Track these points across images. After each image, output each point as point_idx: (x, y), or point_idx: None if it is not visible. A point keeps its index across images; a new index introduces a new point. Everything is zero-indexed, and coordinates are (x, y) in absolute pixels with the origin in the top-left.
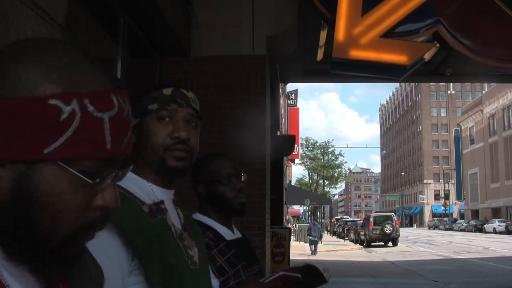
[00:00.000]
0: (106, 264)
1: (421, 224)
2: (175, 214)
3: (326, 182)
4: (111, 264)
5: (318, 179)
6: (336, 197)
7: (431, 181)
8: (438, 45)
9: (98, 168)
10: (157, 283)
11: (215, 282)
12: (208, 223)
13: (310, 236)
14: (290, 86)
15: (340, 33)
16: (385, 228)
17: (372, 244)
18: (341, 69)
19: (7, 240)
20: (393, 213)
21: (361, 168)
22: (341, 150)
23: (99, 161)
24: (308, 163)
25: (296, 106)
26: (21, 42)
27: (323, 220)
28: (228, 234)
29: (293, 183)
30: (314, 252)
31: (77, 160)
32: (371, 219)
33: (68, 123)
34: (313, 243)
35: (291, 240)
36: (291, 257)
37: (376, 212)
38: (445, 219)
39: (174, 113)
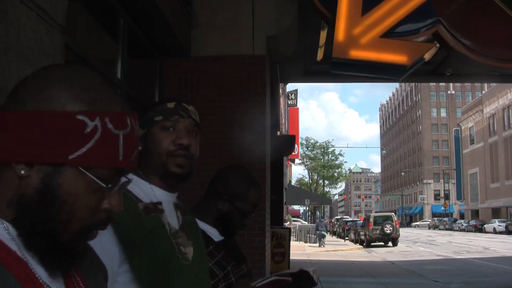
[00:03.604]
0: (98, 253)
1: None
2: (174, 215)
3: (326, 182)
4: (105, 253)
5: (318, 179)
6: (336, 197)
7: (431, 181)
8: (438, 45)
9: (109, 176)
10: (142, 272)
11: None
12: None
13: (318, 231)
14: (290, 86)
15: (340, 33)
16: (385, 228)
17: (372, 244)
18: (341, 69)
19: (27, 232)
20: (393, 213)
21: (361, 168)
22: (341, 150)
23: (110, 170)
24: (308, 163)
25: (296, 106)
26: (55, 65)
27: (323, 220)
28: (216, 235)
29: (293, 183)
30: (322, 244)
31: (94, 168)
32: (371, 219)
33: (91, 136)
34: (321, 236)
35: (291, 240)
36: (291, 257)
37: (376, 212)
38: (445, 219)
39: (177, 124)
